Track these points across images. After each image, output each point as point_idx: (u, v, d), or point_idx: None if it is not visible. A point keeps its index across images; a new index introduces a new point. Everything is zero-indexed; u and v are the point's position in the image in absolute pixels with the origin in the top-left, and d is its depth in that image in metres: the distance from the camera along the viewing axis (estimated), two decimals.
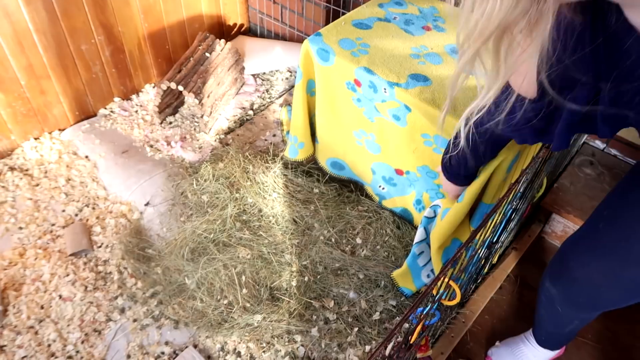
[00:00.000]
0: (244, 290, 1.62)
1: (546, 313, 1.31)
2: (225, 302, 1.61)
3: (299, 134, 1.83)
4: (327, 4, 2.35)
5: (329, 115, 1.73)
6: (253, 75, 2.57)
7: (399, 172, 1.65)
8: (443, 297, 1.17)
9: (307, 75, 1.69)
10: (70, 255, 1.77)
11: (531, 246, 1.88)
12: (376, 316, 1.60)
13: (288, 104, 2.35)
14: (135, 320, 1.61)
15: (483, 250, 1.57)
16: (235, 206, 1.84)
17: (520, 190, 1.31)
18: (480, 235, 1.25)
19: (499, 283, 1.75)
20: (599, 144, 1.95)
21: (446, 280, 1.04)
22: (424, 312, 1.18)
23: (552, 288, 1.21)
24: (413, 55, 1.55)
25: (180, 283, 1.67)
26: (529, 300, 1.73)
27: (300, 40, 2.63)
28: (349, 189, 1.94)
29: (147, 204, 1.93)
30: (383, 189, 1.75)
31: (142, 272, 1.72)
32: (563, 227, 1.89)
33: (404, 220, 1.80)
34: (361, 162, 1.77)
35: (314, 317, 1.60)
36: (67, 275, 1.72)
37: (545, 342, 1.47)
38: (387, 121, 1.55)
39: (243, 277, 1.65)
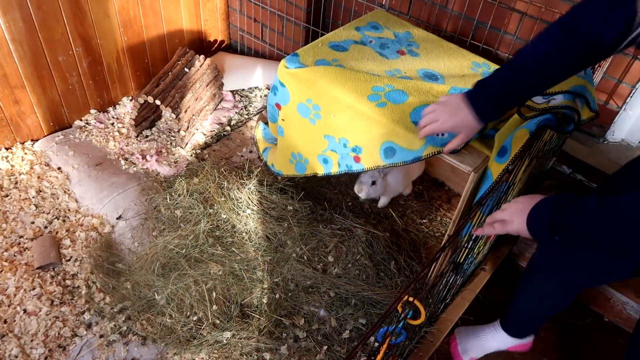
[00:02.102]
0: (214, 307, 1.62)
1: (522, 289, 1.46)
2: (195, 318, 1.60)
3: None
4: (307, 24, 2.40)
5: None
6: (232, 91, 2.59)
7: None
8: (408, 317, 1.19)
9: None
10: (38, 268, 1.74)
11: (500, 268, 1.93)
12: (346, 334, 1.61)
13: (264, 120, 2.37)
14: (101, 336, 1.59)
15: (449, 273, 1.62)
16: (208, 222, 1.84)
17: (485, 213, 1.35)
18: (445, 256, 1.29)
19: (467, 303, 1.78)
20: (565, 168, 2.02)
21: (410, 299, 1.07)
22: (389, 330, 1.20)
23: (536, 255, 1.37)
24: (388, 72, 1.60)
25: (149, 298, 1.65)
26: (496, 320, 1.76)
27: (279, 59, 2.67)
28: (323, 207, 1.96)
29: (119, 218, 1.92)
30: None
31: (111, 286, 1.70)
32: (530, 249, 1.94)
33: (376, 238, 1.83)
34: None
35: (284, 334, 1.60)
36: (33, 288, 1.69)
37: (509, 324, 1.59)
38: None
39: (214, 294, 1.65)
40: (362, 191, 1.88)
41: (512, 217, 1.03)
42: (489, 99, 1.18)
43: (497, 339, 1.62)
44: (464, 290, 1.80)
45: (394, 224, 1.96)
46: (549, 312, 1.50)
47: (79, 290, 1.70)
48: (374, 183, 1.87)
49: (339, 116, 1.55)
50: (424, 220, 2.00)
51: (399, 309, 1.21)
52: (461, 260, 1.65)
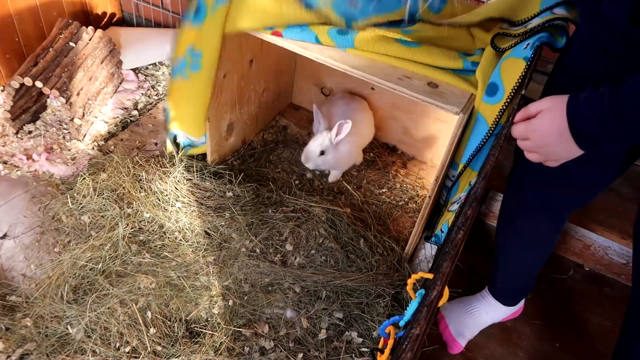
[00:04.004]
0: (152, 330, 1.28)
1: (504, 241, 1.34)
2: (128, 349, 1.24)
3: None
4: None
5: None
6: (133, 70, 2.18)
7: None
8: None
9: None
10: None
11: (472, 231, 1.76)
12: (322, 335, 1.34)
13: None
14: None
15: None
16: (128, 224, 1.48)
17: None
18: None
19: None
20: None
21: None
22: (400, 321, 0.94)
23: (508, 195, 1.27)
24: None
25: (61, 334, 1.26)
26: (479, 289, 1.58)
27: None
28: (268, 188, 1.66)
29: (3, 237, 1.48)
30: None
31: (4, 328, 1.28)
32: (498, 205, 1.79)
33: (338, 216, 1.57)
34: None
35: (247, 348, 1.30)
36: None
37: (500, 293, 1.45)
38: None
39: (148, 313, 1.31)
40: (308, 162, 1.65)
41: (549, 149, 0.87)
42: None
43: (491, 312, 1.45)
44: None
45: (351, 198, 1.72)
46: (539, 260, 1.35)
47: None
48: (322, 153, 1.63)
49: None
50: (383, 190, 1.79)
51: (410, 292, 0.96)
52: (441, 228, 1.45)
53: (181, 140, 1.66)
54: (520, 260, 1.35)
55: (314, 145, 1.64)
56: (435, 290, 0.65)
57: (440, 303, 0.95)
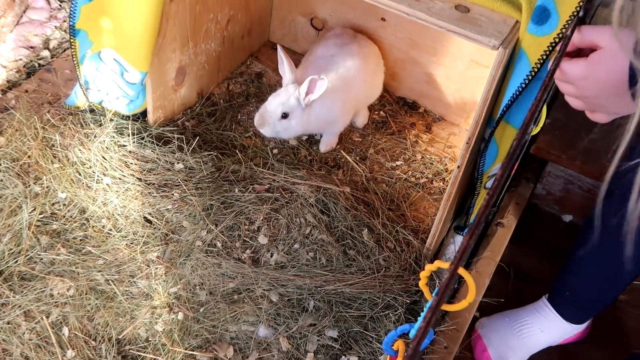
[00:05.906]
0: (70, 353, 1.36)
1: (602, 229, 1.32)
2: None
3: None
4: None
5: None
6: None
7: None
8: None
9: None
10: None
11: (521, 219, 1.81)
12: None
13: None
14: None
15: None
16: (35, 208, 1.57)
17: None
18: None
19: (487, 279, 1.65)
20: None
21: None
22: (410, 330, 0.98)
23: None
24: None
25: None
26: (531, 300, 1.64)
27: None
28: (234, 159, 1.75)
29: None
30: None
31: None
32: (564, 182, 1.84)
33: (332, 197, 1.63)
34: None
35: None
36: None
37: (567, 305, 1.50)
38: None
39: (65, 330, 1.40)
40: (264, 125, 1.70)
41: (599, 102, 0.94)
42: None
43: (549, 329, 1.53)
44: (480, 260, 1.67)
45: (352, 173, 1.82)
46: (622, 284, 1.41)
47: None
48: (285, 116, 1.69)
49: None
50: (398, 162, 1.88)
51: (424, 289, 1.00)
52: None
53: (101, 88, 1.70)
54: (614, 262, 1.37)
55: (274, 104, 1.69)
56: (446, 272, 0.68)
57: (461, 306, 0.98)
